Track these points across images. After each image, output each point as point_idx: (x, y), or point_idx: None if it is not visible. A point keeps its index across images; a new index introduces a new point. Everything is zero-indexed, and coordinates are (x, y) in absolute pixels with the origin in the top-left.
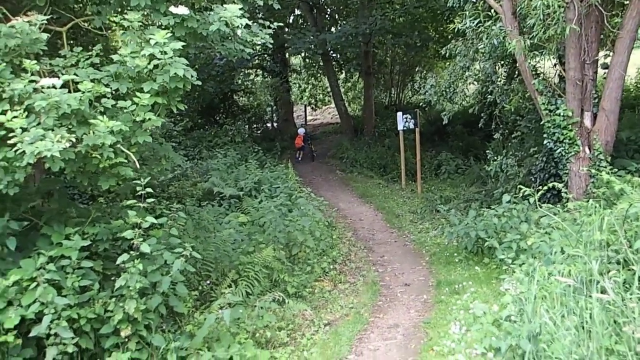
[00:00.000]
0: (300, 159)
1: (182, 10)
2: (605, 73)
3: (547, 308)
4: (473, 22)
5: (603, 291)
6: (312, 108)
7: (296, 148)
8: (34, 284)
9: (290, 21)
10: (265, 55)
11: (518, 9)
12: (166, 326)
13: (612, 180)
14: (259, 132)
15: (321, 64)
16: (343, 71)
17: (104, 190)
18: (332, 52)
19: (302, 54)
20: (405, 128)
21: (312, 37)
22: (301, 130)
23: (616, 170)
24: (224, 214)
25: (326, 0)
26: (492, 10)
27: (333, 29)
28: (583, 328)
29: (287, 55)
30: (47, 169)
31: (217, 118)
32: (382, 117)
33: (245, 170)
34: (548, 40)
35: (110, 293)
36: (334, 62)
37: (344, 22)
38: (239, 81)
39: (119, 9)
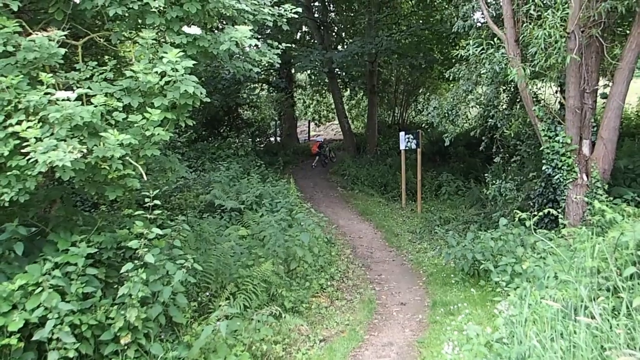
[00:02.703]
0: (314, 165)
1: (195, 30)
2: (604, 102)
3: (537, 331)
4: (476, 49)
5: (592, 317)
6: (316, 124)
7: (312, 154)
8: (39, 289)
9: (298, 38)
10: (272, 71)
11: (521, 37)
12: (165, 335)
13: (604, 209)
14: (262, 145)
15: (326, 80)
16: (348, 89)
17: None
18: (337, 70)
19: (308, 71)
20: (407, 148)
21: (318, 55)
22: (318, 138)
23: (612, 198)
24: (224, 226)
25: (333, 18)
26: (496, 37)
27: (340, 47)
28: (570, 352)
29: (293, 71)
30: (54, 177)
31: (221, 130)
32: (385, 136)
33: (247, 184)
34: (549, 69)
35: (112, 301)
36: (339, 80)
37: (351, 41)
38: (245, 95)
39: (135, 27)
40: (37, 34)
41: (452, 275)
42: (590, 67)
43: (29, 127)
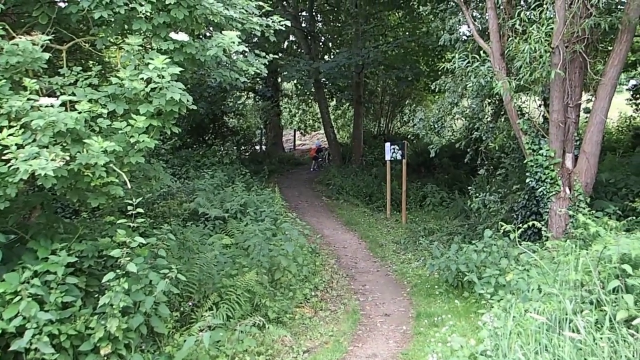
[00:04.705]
0: (313, 169)
1: (182, 36)
2: (587, 117)
3: (522, 344)
4: (462, 63)
5: (576, 330)
6: (302, 133)
7: (311, 158)
8: (18, 297)
9: (285, 47)
10: (258, 79)
11: (506, 51)
12: (146, 346)
13: (587, 223)
14: (247, 154)
15: (313, 90)
16: (334, 98)
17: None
18: (324, 80)
19: (295, 81)
20: (392, 158)
21: (305, 65)
22: (316, 143)
23: (594, 211)
24: (208, 235)
25: (320, 29)
26: (482, 51)
27: (326, 57)
28: None
29: (279, 80)
30: (35, 183)
31: (206, 138)
32: (370, 146)
33: (232, 192)
34: (534, 83)
35: (92, 310)
36: (325, 89)
37: (337, 51)
38: (230, 103)
39: (121, 32)
40: (20, 38)
41: (436, 287)
42: (573, 82)
43: (10, 135)
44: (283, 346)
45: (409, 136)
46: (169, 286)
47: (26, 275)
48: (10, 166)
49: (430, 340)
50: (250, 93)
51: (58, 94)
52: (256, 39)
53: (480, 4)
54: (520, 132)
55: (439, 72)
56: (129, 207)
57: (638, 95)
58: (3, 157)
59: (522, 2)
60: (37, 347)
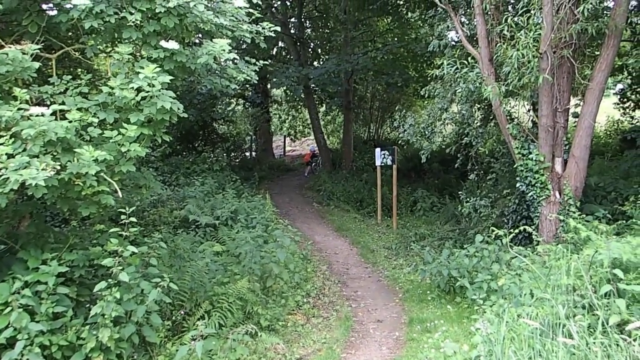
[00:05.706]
0: (307, 174)
1: (172, 44)
2: (575, 121)
3: (515, 350)
4: (451, 69)
5: (569, 335)
6: (291, 139)
7: (305, 163)
8: (8, 308)
9: (274, 53)
10: (247, 86)
11: (495, 56)
12: (138, 356)
13: (578, 227)
14: (237, 160)
15: (302, 96)
16: (323, 104)
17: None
18: (314, 85)
19: (284, 87)
20: (383, 164)
21: (294, 71)
22: (311, 148)
23: (584, 215)
24: (199, 242)
25: (310, 35)
26: (470, 56)
27: (316, 63)
28: None
29: (268, 86)
30: (25, 192)
31: (196, 145)
32: (361, 152)
33: (222, 199)
34: (522, 88)
35: (84, 320)
36: (315, 95)
37: (327, 57)
38: (220, 110)
39: (111, 40)
40: (10, 47)
41: (428, 292)
42: (562, 87)
43: (0, 144)
44: (275, 354)
45: (399, 141)
46: (160, 295)
47: (17, 285)
48: (1, 176)
49: (423, 346)
50: (239, 100)
51: (48, 102)
52: (245, 45)
53: (469, 10)
54: (509, 136)
55: (429, 78)
56: (122, 216)
57: (625, 99)
58: None
59: (509, 8)
60: (28, 358)
